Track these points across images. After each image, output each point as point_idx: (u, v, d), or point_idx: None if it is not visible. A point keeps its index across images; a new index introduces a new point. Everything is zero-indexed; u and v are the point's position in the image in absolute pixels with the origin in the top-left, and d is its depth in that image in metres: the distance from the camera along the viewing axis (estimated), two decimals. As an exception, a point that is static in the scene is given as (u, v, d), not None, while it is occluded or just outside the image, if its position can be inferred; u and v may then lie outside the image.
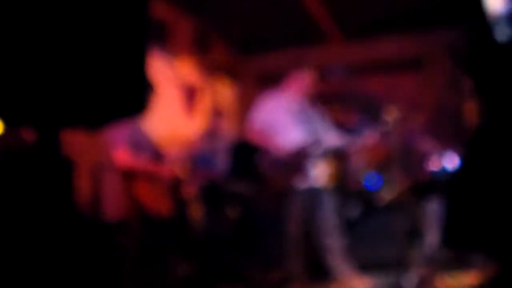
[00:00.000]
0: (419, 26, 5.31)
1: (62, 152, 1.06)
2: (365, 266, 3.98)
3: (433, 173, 3.50)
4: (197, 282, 3.57)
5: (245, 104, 6.57)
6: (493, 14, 1.36)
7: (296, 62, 3.78)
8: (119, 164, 2.99)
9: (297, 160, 3.37)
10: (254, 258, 3.90)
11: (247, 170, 3.96)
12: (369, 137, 3.42)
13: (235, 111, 6.46)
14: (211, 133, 4.37)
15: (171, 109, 5.16)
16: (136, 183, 2.95)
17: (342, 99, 3.68)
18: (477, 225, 1.36)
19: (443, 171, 3.44)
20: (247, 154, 4.20)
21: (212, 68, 5.98)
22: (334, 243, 3.48)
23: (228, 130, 4.66)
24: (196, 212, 3.96)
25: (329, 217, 3.48)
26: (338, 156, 3.56)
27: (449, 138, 3.55)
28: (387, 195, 4.28)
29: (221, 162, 4.29)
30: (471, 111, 3.57)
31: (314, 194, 3.44)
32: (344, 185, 4.43)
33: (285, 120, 3.47)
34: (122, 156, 2.99)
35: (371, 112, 4.02)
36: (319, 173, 3.48)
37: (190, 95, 5.55)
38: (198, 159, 4.10)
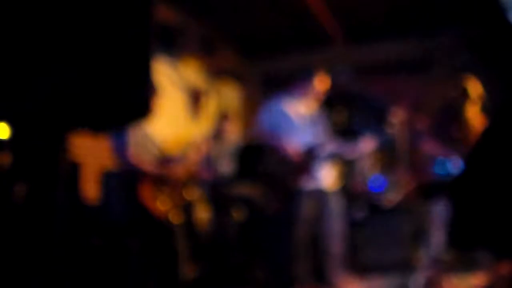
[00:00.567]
0: (424, 28, 5.30)
1: (68, 155, 1.07)
2: (371, 268, 3.98)
3: (438, 175, 3.50)
4: (203, 284, 3.58)
5: (250, 107, 6.59)
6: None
7: (300, 66, 3.79)
8: (125, 167, 3.00)
9: (304, 161, 3.37)
10: (259, 260, 3.90)
11: (252, 173, 3.97)
12: (368, 142, 3.41)
13: (240, 114, 6.48)
14: (216, 136, 4.38)
15: (176, 112, 5.19)
16: (142, 186, 2.96)
17: (346, 101, 3.67)
18: (483, 223, 1.37)
19: (448, 173, 3.44)
20: (252, 156, 4.21)
21: (217, 71, 6.00)
22: (335, 248, 3.48)
23: (233, 132, 4.67)
24: (202, 214, 3.98)
25: (334, 220, 3.48)
26: (344, 159, 3.56)
27: (454, 140, 3.54)
28: (393, 197, 4.28)
29: (227, 165, 4.30)
30: (475, 114, 3.57)
31: (321, 195, 3.44)
32: (349, 187, 4.43)
33: (293, 123, 3.48)
34: (128, 159, 3.00)
35: (375, 114, 4.02)
36: (326, 175, 3.49)
37: (196, 98, 5.57)
38: (204, 163, 4.12)
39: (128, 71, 1.02)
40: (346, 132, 3.70)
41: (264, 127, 3.51)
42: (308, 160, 3.38)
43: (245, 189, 4.08)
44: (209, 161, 4.18)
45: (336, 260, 3.49)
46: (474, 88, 3.50)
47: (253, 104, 6.57)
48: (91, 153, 3.43)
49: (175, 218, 3.08)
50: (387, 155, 3.96)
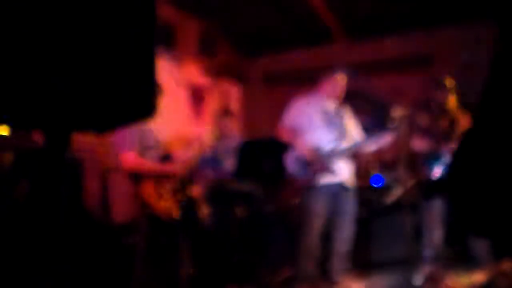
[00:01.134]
0: (426, 24, 5.29)
1: (71, 155, 1.08)
2: (373, 265, 3.99)
3: (435, 172, 3.52)
4: (205, 282, 3.59)
5: (251, 105, 6.60)
6: None
7: (301, 64, 3.79)
8: (127, 165, 3.01)
9: (320, 160, 3.40)
10: (262, 257, 3.92)
11: (254, 170, 3.98)
12: (387, 138, 3.44)
13: (241, 111, 6.49)
14: (218, 134, 4.39)
15: (178, 110, 5.20)
16: (144, 184, 2.97)
17: (349, 99, 3.68)
18: (479, 218, 1.37)
19: (443, 168, 3.47)
20: (254, 154, 4.22)
21: (219, 70, 6.01)
22: (342, 248, 3.49)
23: (235, 130, 4.68)
24: (204, 212, 3.99)
25: (348, 218, 3.48)
26: (350, 155, 3.57)
27: (445, 134, 3.57)
28: (394, 193, 4.29)
29: (229, 162, 4.31)
30: (455, 104, 3.62)
31: (338, 190, 3.45)
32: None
33: (315, 121, 3.51)
34: (130, 157, 3.01)
35: (378, 111, 4.02)
36: (344, 170, 3.51)
37: (197, 96, 5.58)
38: (205, 160, 4.13)
39: (132, 71, 1.02)
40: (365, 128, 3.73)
41: (288, 123, 3.54)
42: (323, 159, 3.39)
43: (246, 186, 4.09)
44: (210, 159, 4.19)
45: (342, 258, 3.50)
46: (449, 80, 3.59)
47: (254, 101, 6.58)
48: (94, 152, 3.44)
49: (177, 215, 3.09)
50: (388, 151, 3.96)
